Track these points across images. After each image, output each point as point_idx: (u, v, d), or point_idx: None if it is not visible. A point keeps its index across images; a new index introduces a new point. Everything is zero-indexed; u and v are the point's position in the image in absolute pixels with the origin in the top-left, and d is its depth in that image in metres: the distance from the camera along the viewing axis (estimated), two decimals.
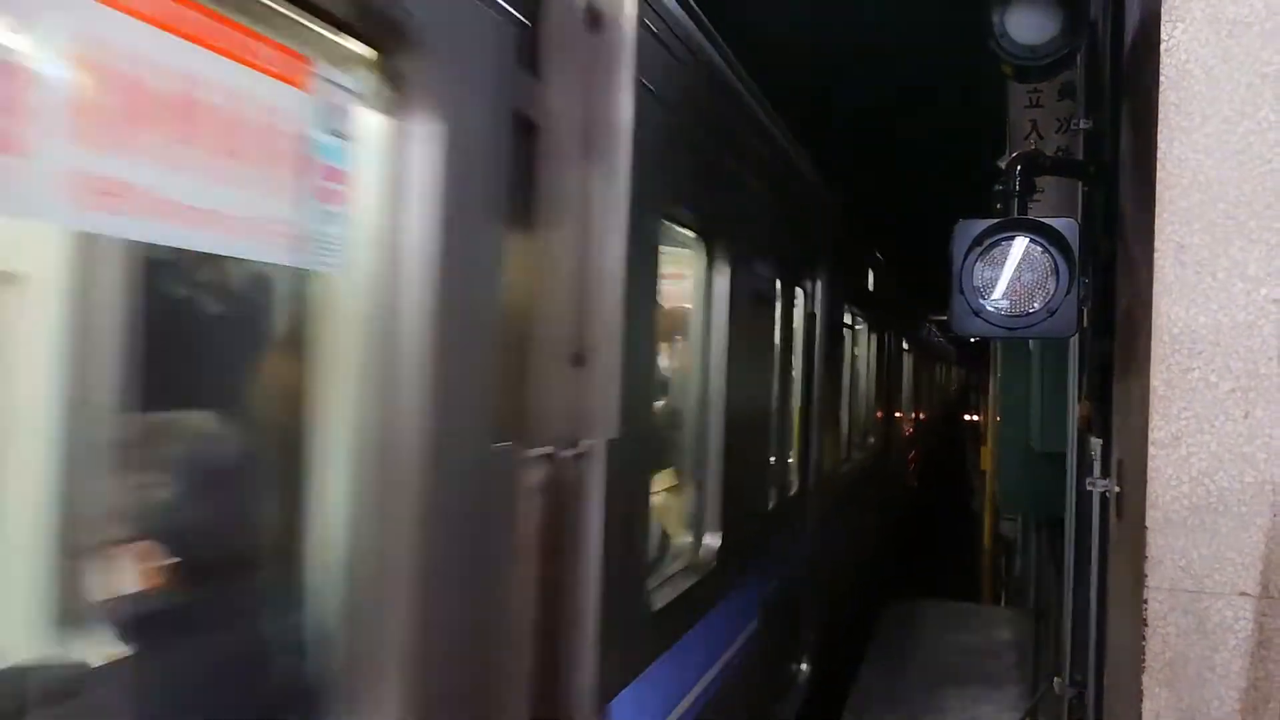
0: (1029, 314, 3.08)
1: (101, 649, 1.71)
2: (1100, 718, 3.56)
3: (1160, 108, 2.49)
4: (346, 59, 1.87)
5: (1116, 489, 3.15)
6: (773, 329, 5.49)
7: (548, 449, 2.58)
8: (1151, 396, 2.49)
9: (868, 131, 9.00)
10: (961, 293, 3.09)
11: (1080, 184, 3.80)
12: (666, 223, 3.62)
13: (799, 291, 6.23)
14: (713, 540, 4.17)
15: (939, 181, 8.86)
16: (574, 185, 2.69)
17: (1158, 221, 2.50)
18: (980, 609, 11.91)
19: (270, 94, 1.73)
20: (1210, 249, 2.46)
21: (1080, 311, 3.18)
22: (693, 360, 4.18)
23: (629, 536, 3.17)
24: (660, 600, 3.57)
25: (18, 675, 1.61)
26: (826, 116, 7.75)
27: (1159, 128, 2.49)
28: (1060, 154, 4.23)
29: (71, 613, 1.70)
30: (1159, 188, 2.50)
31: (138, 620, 1.77)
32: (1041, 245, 3.05)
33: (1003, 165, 3.47)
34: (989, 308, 3.09)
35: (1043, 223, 3.07)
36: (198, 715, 1.86)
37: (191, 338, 1.97)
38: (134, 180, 1.49)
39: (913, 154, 9.63)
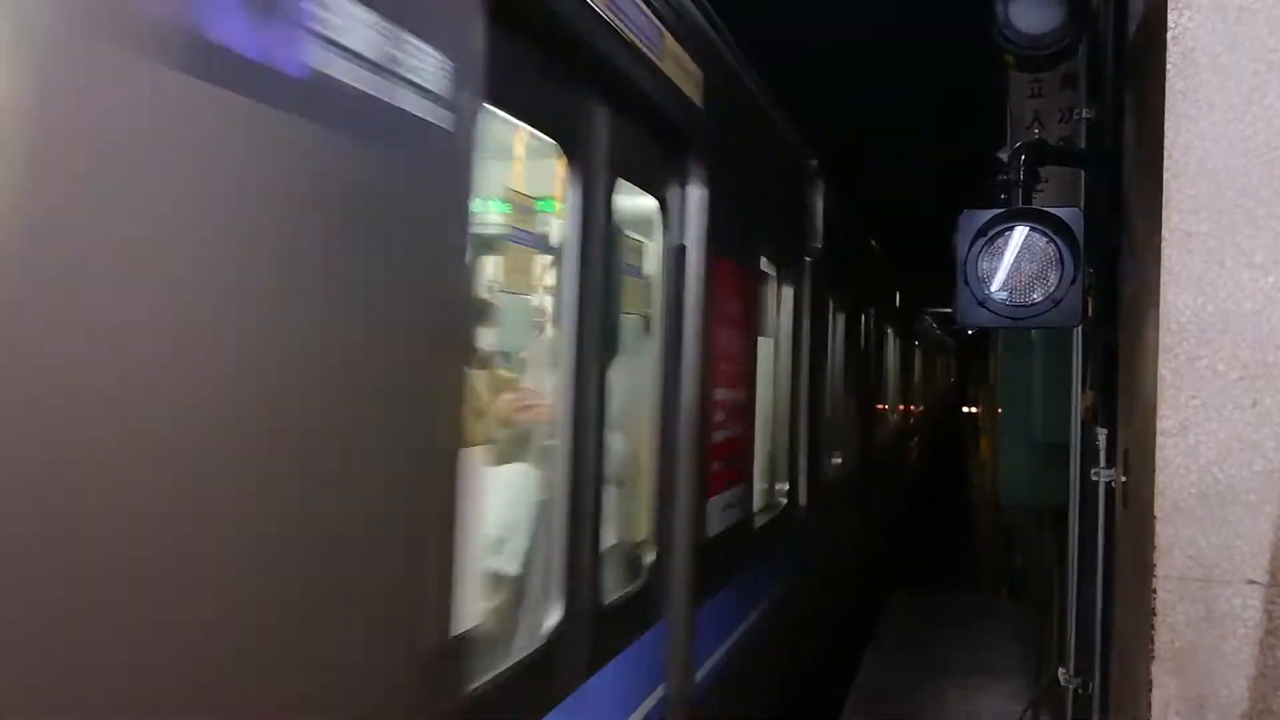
0: (1034, 304, 3.08)
1: None
2: (1106, 708, 3.56)
3: (1167, 96, 2.48)
4: None
5: (1122, 478, 3.15)
6: (855, 343, 8.83)
7: None
8: (1159, 385, 2.49)
9: (877, 130, 9.02)
10: (966, 284, 3.08)
11: (1083, 173, 3.79)
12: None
13: (862, 316, 9.27)
14: (839, 460, 8.07)
15: (942, 174, 8.85)
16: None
17: (1164, 210, 2.49)
18: (982, 600, 11.91)
19: None
20: (1218, 237, 2.46)
21: (1085, 301, 3.17)
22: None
23: None
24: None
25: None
26: (835, 116, 7.76)
27: (1166, 116, 2.49)
28: (1062, 144, 4.22)
29: None
30: (1166, 176, 2.49)
31: None
32: (1046, 235, 3.04)
33: (1005, 156, 3.46)
34: (994, 298, 3.09)
35: (1048, 212, 3.07)
36: None
37: None
38: None
39: (917, 150, 9.64)
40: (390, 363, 1.76)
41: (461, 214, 2.02)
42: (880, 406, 11.83)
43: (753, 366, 4.77)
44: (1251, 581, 2.44)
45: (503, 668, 2.41)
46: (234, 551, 1.38)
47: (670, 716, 3.47)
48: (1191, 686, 2.47)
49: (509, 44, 2.20)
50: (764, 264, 5.19)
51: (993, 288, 3.10)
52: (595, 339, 2.85)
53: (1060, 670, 4.41)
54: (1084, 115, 3.72)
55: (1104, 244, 3.36)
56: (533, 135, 2.89)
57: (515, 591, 2.99)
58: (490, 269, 3.49)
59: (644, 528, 3.48)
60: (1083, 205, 3.64)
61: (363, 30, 1.62)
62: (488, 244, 3.22)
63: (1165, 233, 2.49)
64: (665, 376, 3.46)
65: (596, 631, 2.86)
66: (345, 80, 1.58)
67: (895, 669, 8.35)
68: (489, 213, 3.15)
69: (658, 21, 3.17)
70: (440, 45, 1.85)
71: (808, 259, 6.14)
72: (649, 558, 3.42)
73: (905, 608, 10.46)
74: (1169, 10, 2.48)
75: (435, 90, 1.84)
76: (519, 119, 2.64)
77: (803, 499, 6.14)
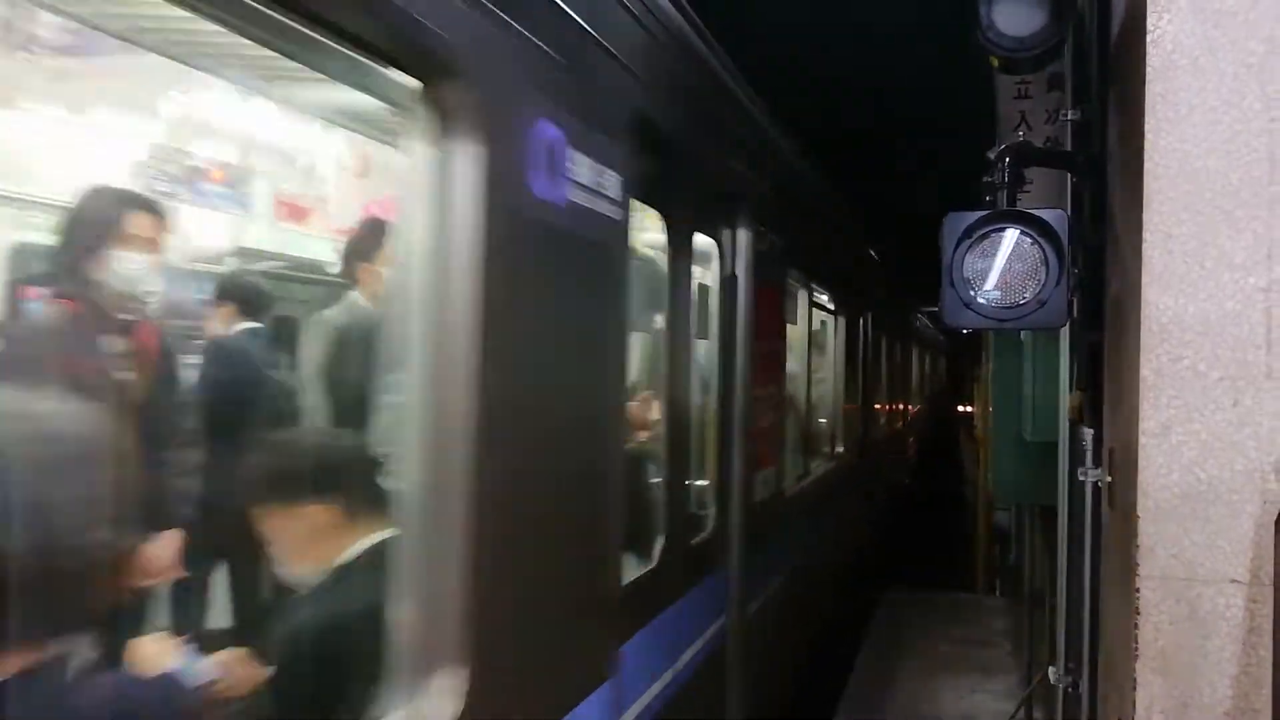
0: (1020, 305, 3.08)
1: None
2: (1095, 706, 3.57)
3: (1148, 98, 2.50)
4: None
5: (1108, 478, 3.16)
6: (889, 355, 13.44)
7: None
8: (1141, 386, 2.50)
9: (866, 135, 9.03)
10: (952, 285, 3.09)
11: (1069, 175, 3.80)
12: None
13: (895, 337, 13.26)
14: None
15: (940, 173, 8.87)
16: None
17: (1146, 211, 2.51)
18: (975, 598, 11.94)
19: None
20: (1198, 238, 2.47)
21: (1070, 302, 3.18)
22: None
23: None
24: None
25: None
26: (830, 124, 7.77)
27: (1146, 118, 2.50)
28: (1049, 145, 4.23)
29: None
30: (1147, 178, 2.50)
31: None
32: (1031, 236, 3.05)
33: (992, 157, 3.46)
34: (980, 299, 3.09)
35: (1032, 214, 3.07)
36: None
37: None
38: None
39: (909, 152, 9.65)
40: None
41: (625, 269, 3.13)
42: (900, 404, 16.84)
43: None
44: (1234, 581, 2.46)
45: None
46: None
47: None
48: (1175, 685, 2.48)
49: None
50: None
51: (984, 288, 3.10)
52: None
53: (1050, 669, 4.42)
54: (1069, 117, 3.73)
55: (1089, 245, 3.38)
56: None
57: None
58: None
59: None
60: (1068, 206, 3.66)
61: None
62: None
63: (1146, 234, 2.50)
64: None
65: None
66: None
67: (890, 667, 8.37)
68: None
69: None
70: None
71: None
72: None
73: (900, 606, 10.48)
74: (1149, 13, 2.50)
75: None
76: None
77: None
